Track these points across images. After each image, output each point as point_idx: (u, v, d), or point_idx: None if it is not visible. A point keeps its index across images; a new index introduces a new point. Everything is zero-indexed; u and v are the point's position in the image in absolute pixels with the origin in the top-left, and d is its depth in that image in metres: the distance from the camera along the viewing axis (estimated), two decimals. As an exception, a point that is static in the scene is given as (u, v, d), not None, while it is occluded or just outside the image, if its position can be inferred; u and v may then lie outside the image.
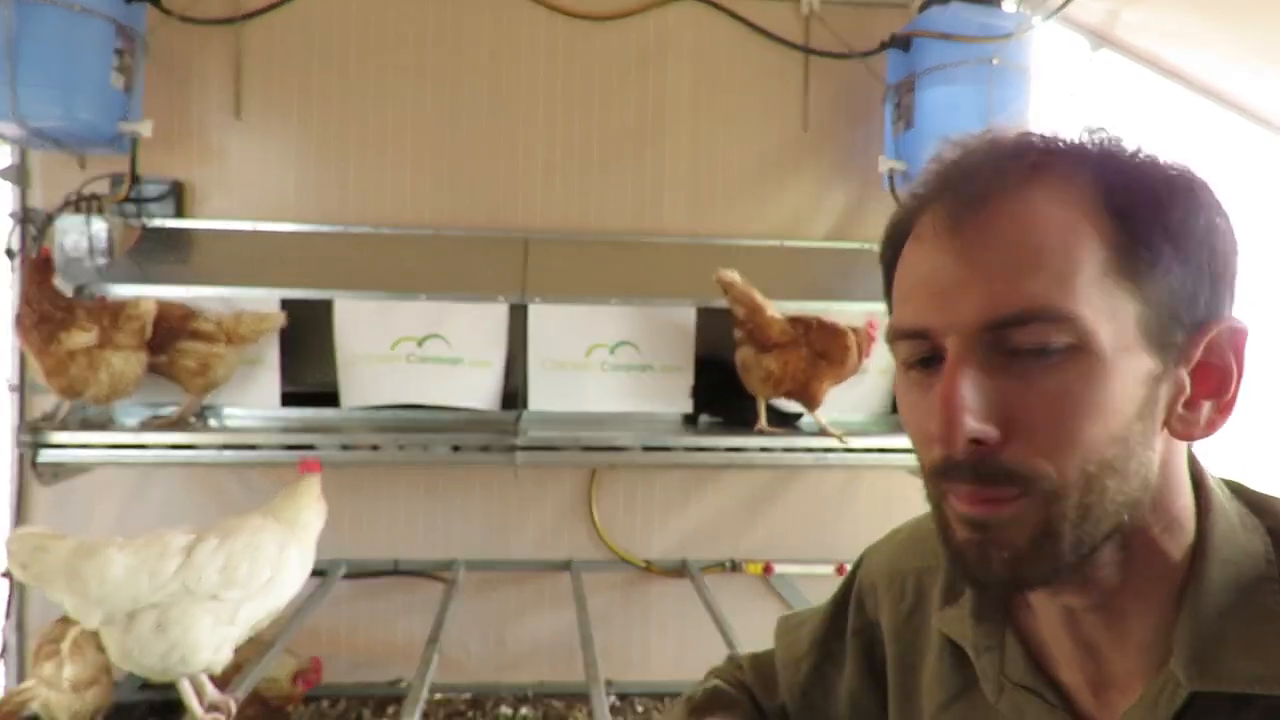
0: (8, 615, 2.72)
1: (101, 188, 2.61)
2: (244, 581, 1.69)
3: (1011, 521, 0.58)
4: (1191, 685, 0.57)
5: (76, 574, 1.56)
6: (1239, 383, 0.58)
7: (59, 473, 2.21)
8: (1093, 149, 0.60)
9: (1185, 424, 0.58)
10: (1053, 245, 0.56)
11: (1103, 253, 0.56)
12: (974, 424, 0.57)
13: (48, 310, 2.13)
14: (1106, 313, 0.56)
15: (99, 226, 2.58)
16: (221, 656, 1.70)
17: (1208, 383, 0.58)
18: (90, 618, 1.59)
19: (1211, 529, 0.60)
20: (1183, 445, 0.61)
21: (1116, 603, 0.61)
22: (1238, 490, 0.65)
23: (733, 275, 2.32)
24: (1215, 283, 0.58)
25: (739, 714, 0.96)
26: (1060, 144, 0.61)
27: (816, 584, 2.96)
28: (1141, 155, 0.60)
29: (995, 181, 0.59)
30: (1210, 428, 0.58)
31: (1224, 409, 0.58)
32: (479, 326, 2.44)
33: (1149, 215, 0.56)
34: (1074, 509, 0.57)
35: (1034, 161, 0.59)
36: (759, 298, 2.30)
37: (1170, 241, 0.56)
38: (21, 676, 2.70)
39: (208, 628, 1.65)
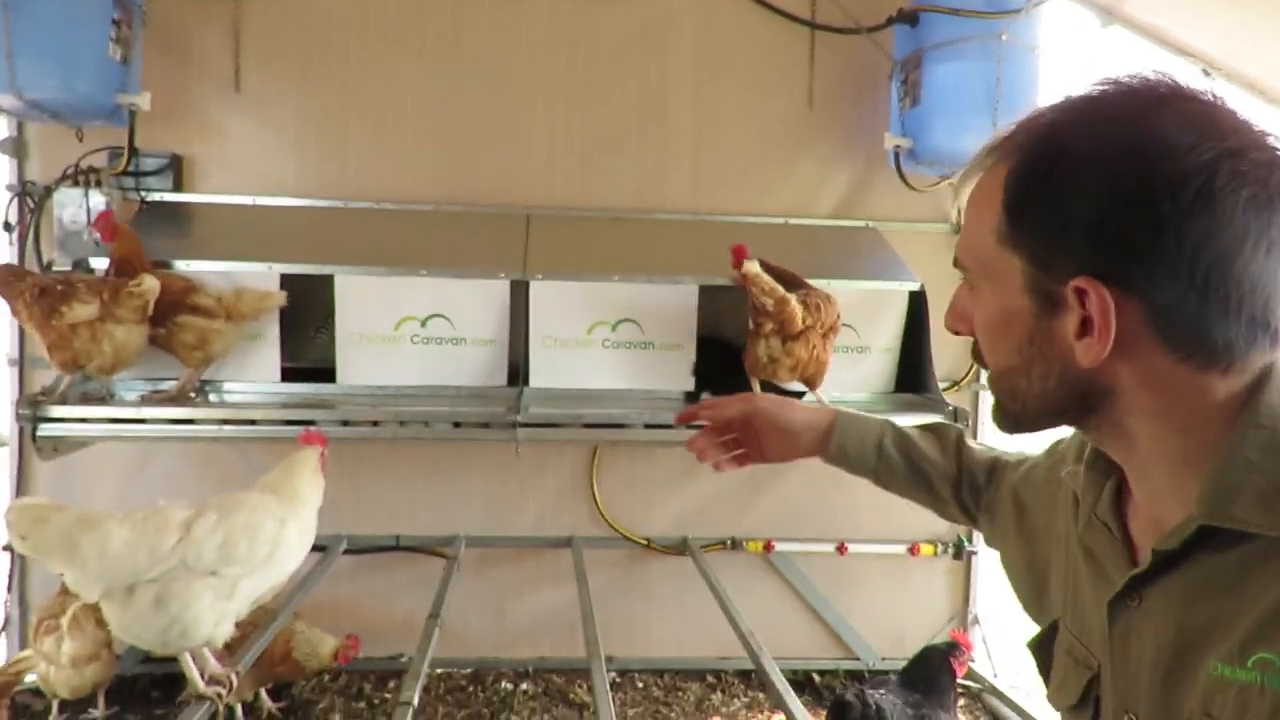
0: (9, 589, 2.73)
1: (99, 161, 2.59)
2: (243, 558, 1.68)
3: (992, 391, 0.85)
4: (1200, 519, 0.71)
5: (75, 547, 1.55)
6: (1108, 326, 0.71)
7: (59, 447, 2.20)
8: (1028, 136, 0.75)
9: (1080, 351, 0.73)
10: (978, 214, 0.79)
11: (997, 223, 0.76)
12: (951, 322, 0.88)
13: (48, 284, 2.12)
14: (1002, 268, 0.77)
15: (97, 200, 2.56)
16: (222, 631, 1.70)
17: (1085, 324, 0.72)
18: (90, 591, 1.58)
19: (1259, 403, 0.72)
20: (1156, 358, 0.72)
21: (1155, 466, 0.77)
22: None
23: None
24: (1086, 246, 0.71)
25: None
26: (1019, 132, 0.77)
27: (817, 562, 2.97)
28: (1065, 136, 0.73)
29: (975, 163, 0.80)
30: (1091, 357, 0.72)
31: (1099, 344, 0.71)
32: (481, 304, 2.42)
33: (1028, 199, 0.74)
34: (1003, 393, 0.82)
35: (997, 148, 0.78)
36: (780, 288, 2.28)
37: (1043, 219, 0.73)
38: (23, 650, 2.71)
39: (207, 603, 1.64)
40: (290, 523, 1.78)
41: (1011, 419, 0.83)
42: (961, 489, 1.21)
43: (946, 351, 2.97)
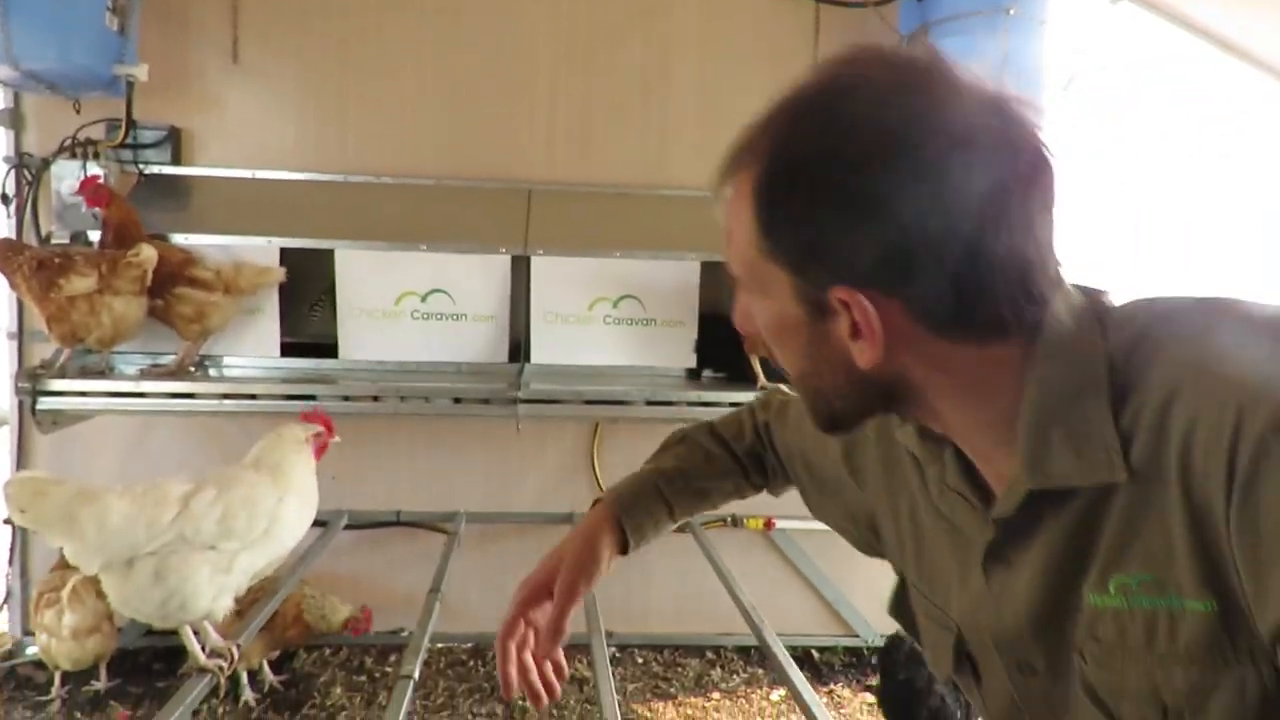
0: (10, 562, 2.74)
1: (97, 133, 2.57)
2: (241, 532, 1.68)
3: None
4: (1028, 484, 0.74)
5: (75, 520, 1.55)
6: (874, 331, 0.71)
7: (59, 420, 2.20)
8: (769, 142, 0.73)
9: (856, 353, 0.73)
10: (737, 224, 0.76)
11: (754, 236, 0.74)
12: (739, 322, 0.84)
13: (45, 257, 2.11)
14: (769, 277, 0.75)
15: (96, 173, 2.54)
16: (221, 605, 1.70)
17: (856, 328, 0.72)
18: (89, 564, 1.58)
19: (1036, 358, 0.73)
20: (932, 346, 0.73)
21: (976, 434, 0.79)
22: (1104, 310, 0.76)
23: None
24: (836, 256, 0.70)
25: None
26: (759, 136, 0.75)
27: (817, 539, 2.97)
28: (799, 143, 0.72)
29: (723, 171, 0.79)
30: (867, 360, 0.73)
31: (871, 347, 0.72)
32: (482, 279, 2.41)
33: (774, 212, 0.72)
34: (807, 397, 0.82)
35: (739, 157, 0.77)
36: None
37: (791, 231, 0.72)
38: (25, 623, 2.73)
39: (205, 576, 1.65)
40: (290, 497, 1.78)
41: (826, 420, 0.83)
42: (750, 476, 1.23)
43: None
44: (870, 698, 2.75)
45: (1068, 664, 0.78)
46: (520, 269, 2.43)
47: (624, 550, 1.18)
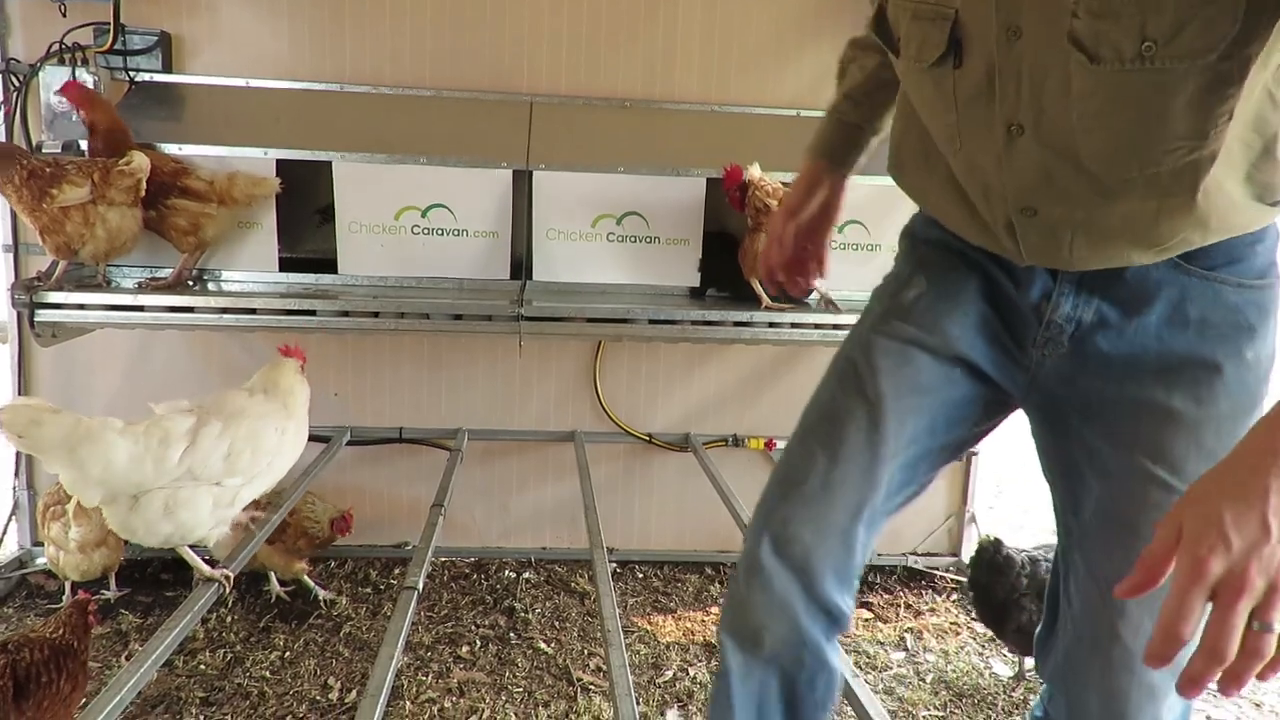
0: (17, 474, 2.76)
1: (85, 38, 2.48)
2: (246, 468, 1.69)
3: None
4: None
5: (74, 452, 1.54)
6: None
7: (58, 333, 2.18)
8: None
9: None
10: None
11: None
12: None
13: (36, 167, 2.06)
14: None
15: (85, 79, 2.47)
16: (217, 533, 1.72)
17: None
18: (88, 497, 1.58)
19: None
20: None
21: None
22: None
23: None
24: None
25: None
26: None
27: (818, 460, 2.99)
28: None
29: None
30: None
31: None
32: (483, 194, 2.37)
33: None
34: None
35: None
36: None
37: None
38: (34, 534, 2.76)
39: (208, 509, 1.66)
40: (290, 428, 1.78)
41: None
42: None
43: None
44: (866, 613, 2.81)
45: (1057, 24, 0.88)
46: (522, 184, 2.38)
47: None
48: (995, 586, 2.23)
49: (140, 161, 2.06)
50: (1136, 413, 1.03)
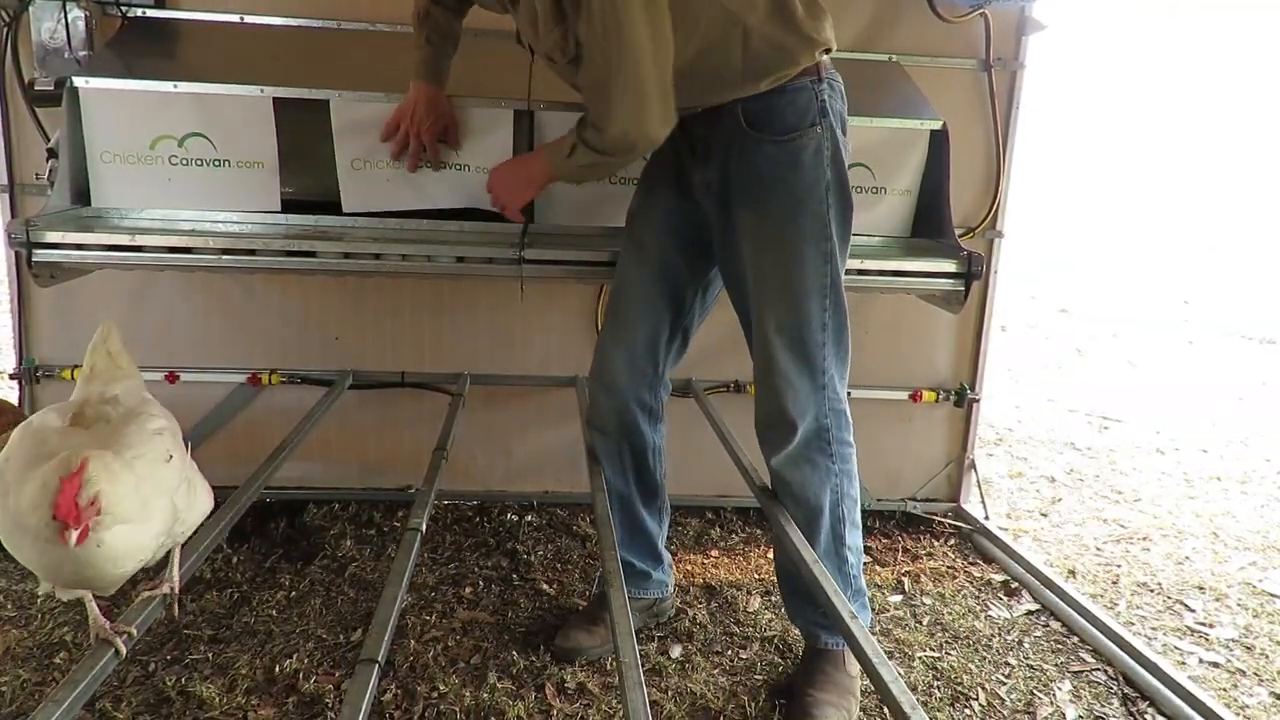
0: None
1: (75, -30, 2.42)
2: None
3: None
4: None
5: None
6: None
7: (56, 275, 2.16)
8: None
9: None
10: None
11: None
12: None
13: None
14: None
15: (76, 15, 2.41)
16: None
17: None
18: None
19: None
20: None
21: None
22: None
23: None
24: None
25: None
26: None
27: (819, 406, 2.99)
28: None
29: None
30: None
31: None
32: (486, 134, 2.33)
33: None
34: None
35: None
36: None
37: None
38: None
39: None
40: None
41: None
42: None
43: (964, 195, 2.89)
44: (865, 558, 2.83)
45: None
46: (523, 124, 2.35)
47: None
48: None
49: None
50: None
